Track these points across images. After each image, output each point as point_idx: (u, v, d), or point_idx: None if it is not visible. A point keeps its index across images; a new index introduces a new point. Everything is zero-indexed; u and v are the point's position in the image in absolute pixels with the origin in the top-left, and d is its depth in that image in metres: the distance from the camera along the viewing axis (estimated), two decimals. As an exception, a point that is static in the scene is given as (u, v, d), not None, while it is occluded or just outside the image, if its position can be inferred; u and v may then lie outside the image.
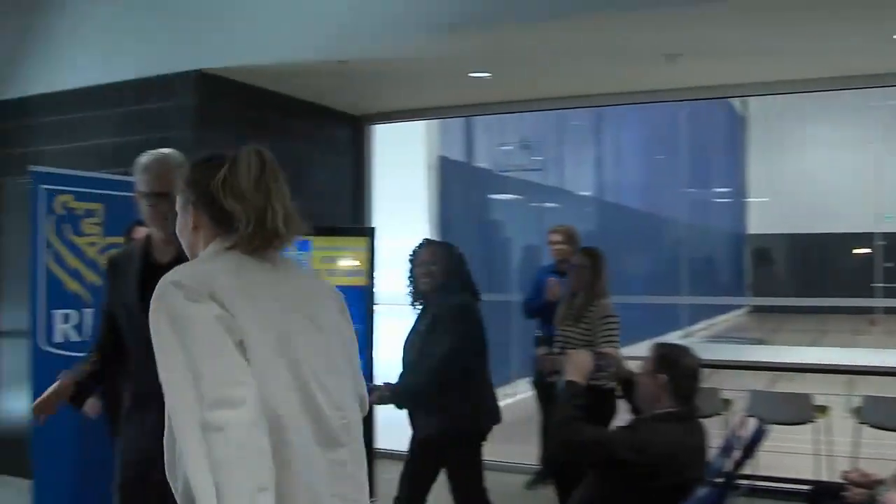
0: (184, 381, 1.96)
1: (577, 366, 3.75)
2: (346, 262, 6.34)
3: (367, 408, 2.47)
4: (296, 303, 2.21)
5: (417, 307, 4.76)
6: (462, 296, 4.64)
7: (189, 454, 1.91)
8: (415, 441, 4.60)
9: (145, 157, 3.31)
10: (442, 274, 4.63)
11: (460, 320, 4.54)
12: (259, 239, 2.15)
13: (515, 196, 12.65)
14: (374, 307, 6.27)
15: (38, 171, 5.49)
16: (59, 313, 5.29)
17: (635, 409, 3.81)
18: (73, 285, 5.38)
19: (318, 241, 6.24)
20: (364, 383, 2.44)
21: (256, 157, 2.22)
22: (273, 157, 2.25)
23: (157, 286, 2.07)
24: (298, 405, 2.09)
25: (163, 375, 1.99)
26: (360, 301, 6.25)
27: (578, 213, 13.99)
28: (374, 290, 6.28)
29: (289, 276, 2.26)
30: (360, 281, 6.30)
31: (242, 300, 2.07)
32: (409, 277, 4.78)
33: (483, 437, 4.64)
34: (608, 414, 5.13)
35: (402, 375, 4.62)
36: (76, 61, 6.86)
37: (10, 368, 6.45)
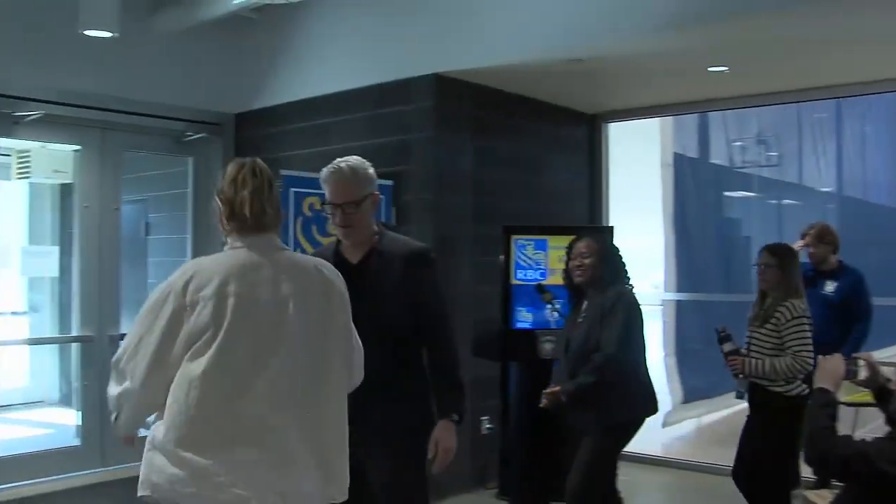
0: (128, 342, 2.70)
1: (828, 372, 3.52)
2: (581, 262, 6.28)
3: (359, 372, 2.94)
4: (266, 291, 2.69)
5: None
6: (621, 287, 4.66)
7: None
8: (591, 433, 4.61)
9: (324, 170, 3.52)
10: (596, 266, 4.66)
11: (623, 312, 4.55)
12: (234, 223, 2.75)
13: (752, 193, 12.20)
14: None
15: (288, 174, 5.76)
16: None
17: (892, 420, 3.56)
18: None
19: (554, 241, 6.23)
20: (352, 348, 2.88)
21: (235, 164, 2.83)
22: (259, 165, 2.86)
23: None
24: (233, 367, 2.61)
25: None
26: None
27: (820, 210, 13.27)
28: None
29: (274, 267, 2.73)
30: (596, 280, 6.23)
31: (218, 294, 2.61)
32: (565, 270, 4.88)
33: (639, 426, 4.72)
34: (796, 426, 4.84)
35: (567, 373, 4.68)
36: (321, 71, 7.17)
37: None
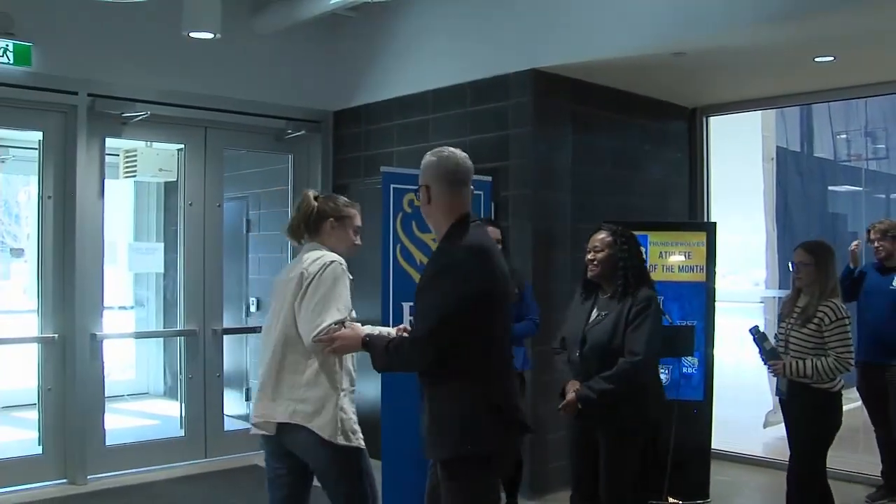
0: None
1: None
2: (682, 258, 6.22)
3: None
4: (284, 275, 3.87)
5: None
6: (649, 291, 4.47)
7: None
8: (609, 438, 4.45)
9: None
10: (607, 262, 4.49)
11: (652, 318, 4.39)
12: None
13: (859, 187, 11.84)
14: (715, 305, 6.14)
15: (388, 171, 5.81)
16: (407, 305, 5.56)
17: None
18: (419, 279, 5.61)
19: (654, 237, 6.16)
20: (301, 319, 3.70)
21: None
22: (303, 195, 4.02)
23: None
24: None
25: None
26: (699, 299, 6.12)
27: (933, 205, 12.85)
28: (715, 286, 6.15)
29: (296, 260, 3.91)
30: (697, 277, 6.16)
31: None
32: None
33: (648, 430, 4.55)
34: (833, 420, 4.79)
35: (582, 370, 4.46)
36: (418, 67, 7.24)
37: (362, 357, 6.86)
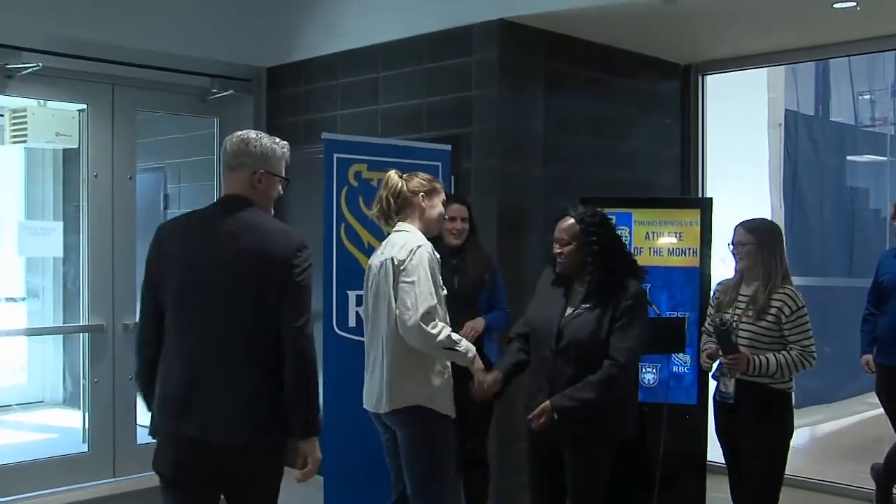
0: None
1: None
2: (672, 240, 6.33)
3: None
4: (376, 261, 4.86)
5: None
6: (638, 286, 4.61)
7: None
8: (575, 451, 4.58)
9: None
10: (575, 254, 4.60)
11: (641, 318, 4.56)
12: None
13: (883, 157, 12.01)
14: (711, 294, 6.22)
15: (330, 138, 5.85)
16: (353, 294, 5.63)
17: None
18: (367, 263, 5.63)
19: (640, 214, 6.23)
20: None
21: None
22: None
23: None
24: None
25: None
26: (691, 286, 6.23)
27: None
28: (710, 272, 6.24)
29: None
30: (690, 261, 6.26)
31: None
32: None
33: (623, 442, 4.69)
34: (792, 424, 4.99)
35: (560, 367, 4.54)
36: (368, 17, 7.26)
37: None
